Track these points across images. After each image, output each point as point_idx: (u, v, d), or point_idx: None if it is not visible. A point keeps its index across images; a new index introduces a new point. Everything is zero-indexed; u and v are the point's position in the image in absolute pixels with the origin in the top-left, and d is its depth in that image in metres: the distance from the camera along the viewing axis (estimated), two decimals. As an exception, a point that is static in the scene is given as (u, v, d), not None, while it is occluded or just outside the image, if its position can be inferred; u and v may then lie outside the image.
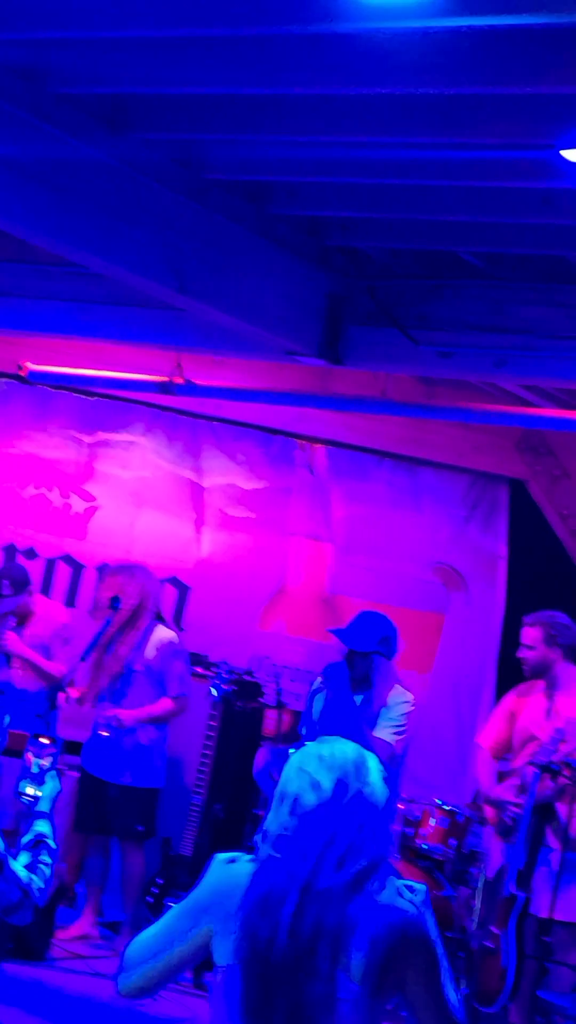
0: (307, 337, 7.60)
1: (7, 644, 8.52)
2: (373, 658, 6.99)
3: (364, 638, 7.05)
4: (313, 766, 3.24)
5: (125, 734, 8.23)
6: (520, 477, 9.83)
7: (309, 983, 3.08)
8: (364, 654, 7.01)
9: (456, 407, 8.59)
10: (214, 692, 8.37)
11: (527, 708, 7.51)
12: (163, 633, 8.46)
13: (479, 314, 7.26)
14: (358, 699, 7.00)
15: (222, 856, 3.35)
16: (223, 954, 3.20)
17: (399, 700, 7.01)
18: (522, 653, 7.50)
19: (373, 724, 6.84)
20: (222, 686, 8.32)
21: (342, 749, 3.28)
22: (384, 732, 6.76)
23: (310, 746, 3.31)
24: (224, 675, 8.38)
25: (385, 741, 6.85)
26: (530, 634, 7.48)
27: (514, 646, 7.65)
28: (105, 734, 8.23)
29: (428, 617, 10.00)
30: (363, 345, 7.67)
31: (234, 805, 8.65)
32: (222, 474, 10.04)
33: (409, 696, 7.09)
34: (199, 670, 8.44)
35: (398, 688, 7.10)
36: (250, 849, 7.91)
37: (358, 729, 6.68)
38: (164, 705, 8.37)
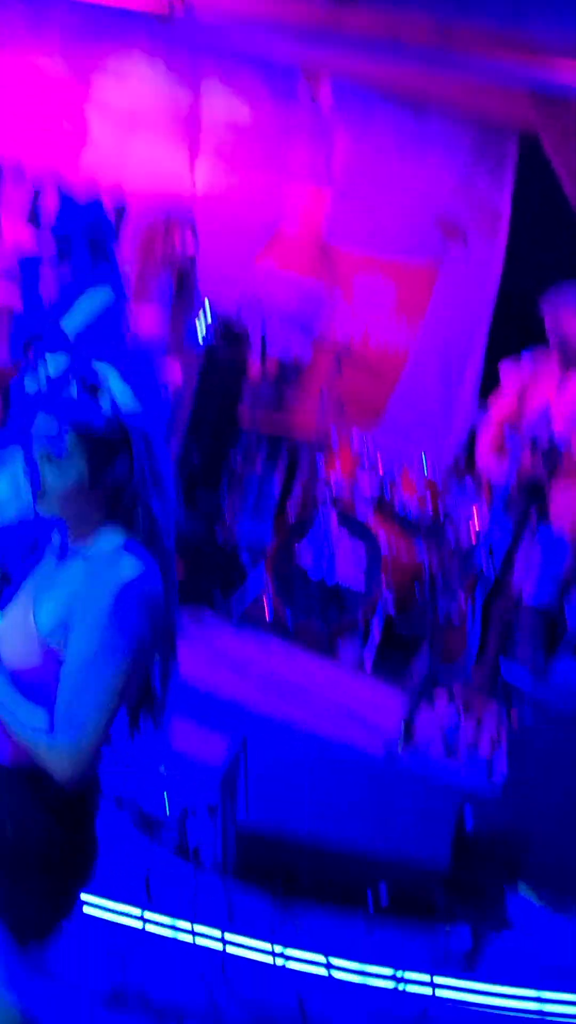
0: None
1: None
2: None
3: None
4: None
5: None
6: (532, 130, 9.39)
7: None
8: None
9: (472, 56, 8.11)
10: (201, 332, 8.11)
11: (539, 380, 7.35)
12: None
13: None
14: None
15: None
16: None
17: None
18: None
19: None
20: (207, 334, 8.10)
21: None
22: None
23: None
24: (209, 322, 8.14)
25: None
26: None
27: (510, 306, 7.43)
28: None
29: (425, 268, 9.74)
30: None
31: (210, 454, 8.59)
32: (222, 106, 9.59)
33: None
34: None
35: None
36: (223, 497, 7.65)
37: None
38: None
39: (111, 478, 3.01)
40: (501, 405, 7.56)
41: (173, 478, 3.12)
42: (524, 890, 5.32)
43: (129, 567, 2.97)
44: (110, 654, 2.91)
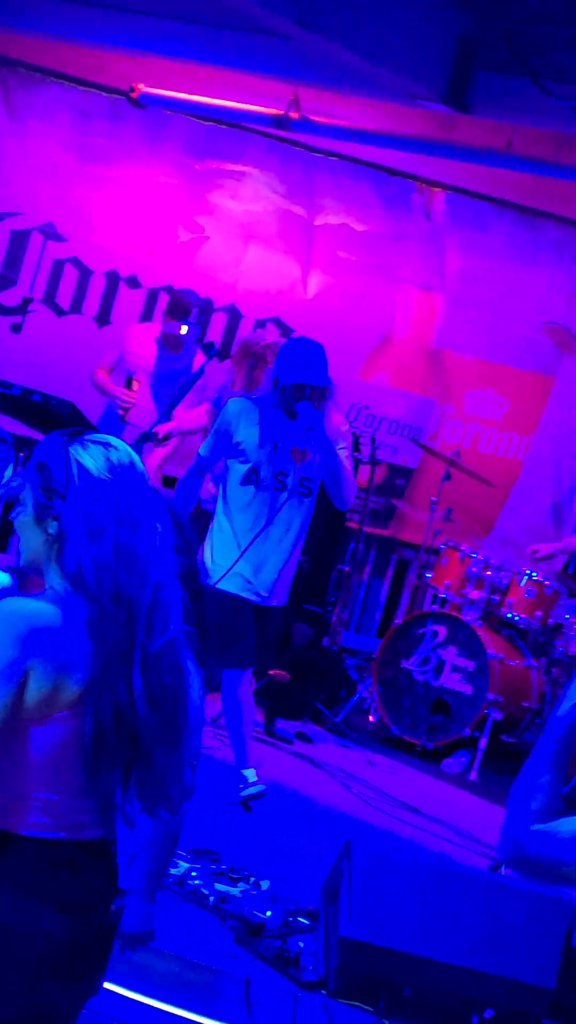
0: (433, 81, 7.19)
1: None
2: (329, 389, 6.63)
3: (319, 371, 6.55)
4: None
5: None
6: None
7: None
8: (320, 388, 6.54)
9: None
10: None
11: None
12: None
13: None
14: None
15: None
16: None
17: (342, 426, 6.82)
18: None
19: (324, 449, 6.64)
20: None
21: None
22: (342, 454, 6.65)
23: None
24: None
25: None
26: None
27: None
28: None
29: (536, 378, 9.68)
30: (492, 93, 7.24)
31: (319, 560, 8.53)
32: (335, 214, 9.65)
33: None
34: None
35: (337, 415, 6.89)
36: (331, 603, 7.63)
37: (328, 451, 6.55)
38: None
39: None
40: None
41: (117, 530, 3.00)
42: None
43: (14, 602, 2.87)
44: None
